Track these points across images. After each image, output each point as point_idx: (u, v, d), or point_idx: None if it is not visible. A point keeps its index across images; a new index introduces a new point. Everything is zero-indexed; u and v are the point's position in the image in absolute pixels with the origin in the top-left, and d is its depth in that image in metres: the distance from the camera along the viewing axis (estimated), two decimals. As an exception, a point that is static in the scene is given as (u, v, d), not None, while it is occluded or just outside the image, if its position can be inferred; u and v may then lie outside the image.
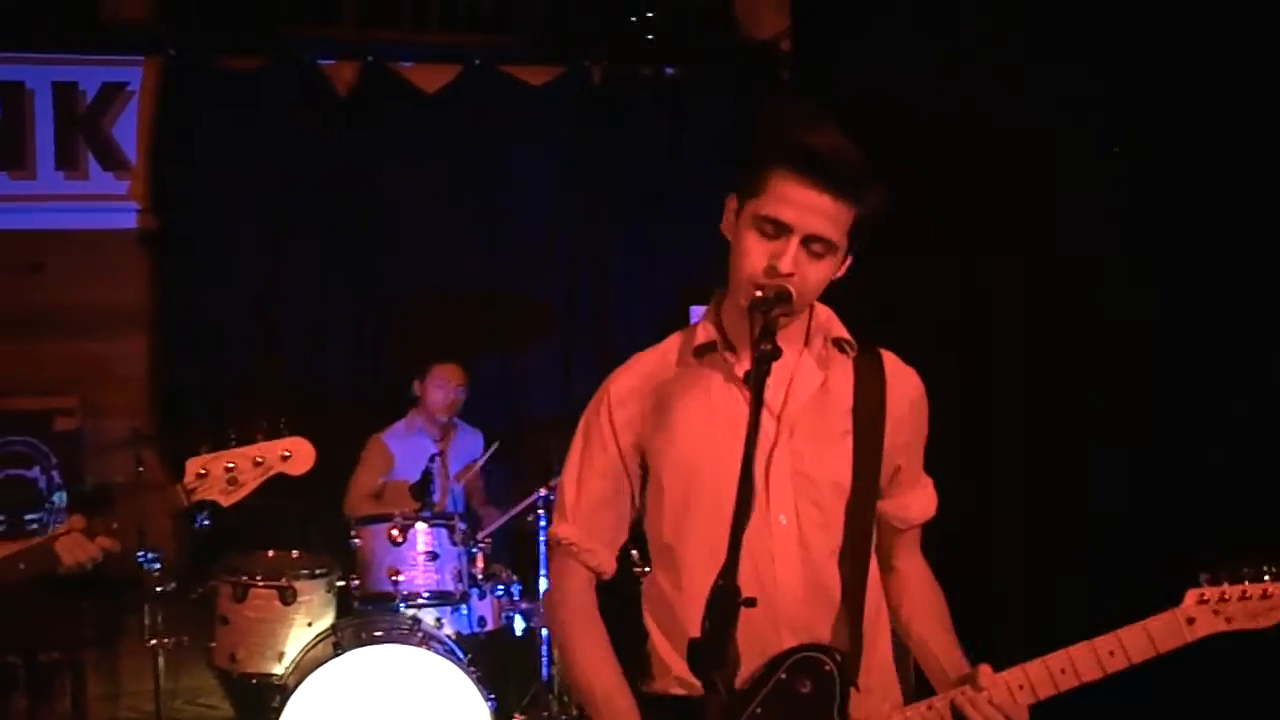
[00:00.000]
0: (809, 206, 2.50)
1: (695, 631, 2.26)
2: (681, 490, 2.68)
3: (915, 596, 2.90)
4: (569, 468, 2.80)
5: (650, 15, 7.64)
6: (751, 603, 2.22)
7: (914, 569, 2.91)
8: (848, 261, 2.62)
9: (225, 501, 3.38)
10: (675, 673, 2.68)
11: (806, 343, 2.71)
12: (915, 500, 2.87)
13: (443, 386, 6.56)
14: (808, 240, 2.50)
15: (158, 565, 5.71)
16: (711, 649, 2.17)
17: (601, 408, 2.75)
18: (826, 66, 6.97)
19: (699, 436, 2.66)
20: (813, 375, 2.69)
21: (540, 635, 6.01)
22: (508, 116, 7.38)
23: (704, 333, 2.71)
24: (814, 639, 2.63)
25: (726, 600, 2.18)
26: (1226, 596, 2.65)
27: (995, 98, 5.45)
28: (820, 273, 2.55)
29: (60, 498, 5.50)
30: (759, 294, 2.46)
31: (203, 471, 3.35)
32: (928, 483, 2.91)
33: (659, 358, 2.78)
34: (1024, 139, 5.28)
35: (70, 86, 6.86)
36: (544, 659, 6.05)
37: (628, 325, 7.37)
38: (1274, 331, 4.32)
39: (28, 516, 6.33)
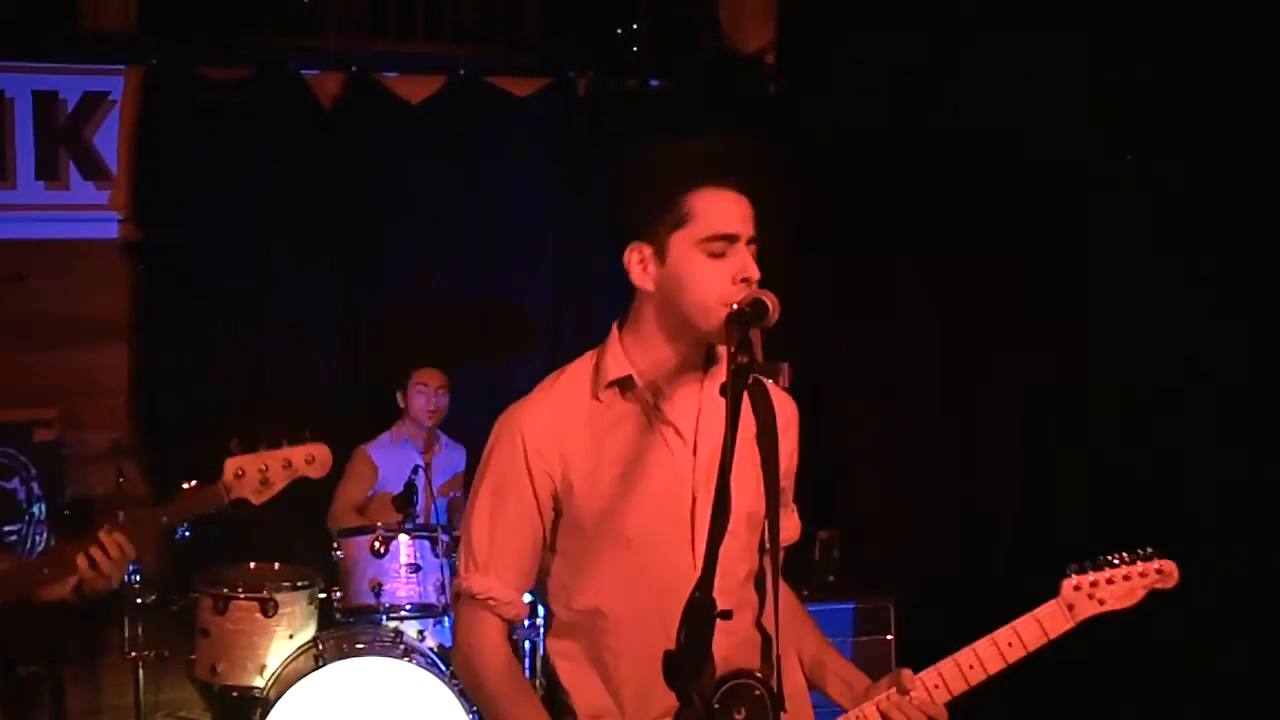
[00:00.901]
0: (741, 211, 2.55)
1: (633, 671, 2.26)
2: (607, 538, 2.62)
3: (800, 620, 2.94)
4: (478, 514, 2.70)
5: (635, 27, 7.64)
6: (728, 615, 2.23)
7: (787, 593, 2.90)
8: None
9: (256, 500, 3.61)
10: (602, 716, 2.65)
11: (706, 367, 2.69)
12: (789, 523, 2.86)
13: (423, 392, 6.53)
14: (749, 242, 2.54)
15: (138, 577, 5.69)
16: (687, 661, 2.16)
17: (516, 453, 2.65)
18: (813, 79, 6.98)
19: (623, 482, 2.60)
20: (719, 406, 2.59)
21: (523, 647, 5.98)
22: (493, 128, 7.35)
23: (616, 367, 2.65)
24: (732, 668, 2.60)
25: (703, 613, 2.18)
26: (1095, 581, 2.95)
27: (982, 109, 5.46)
28: (757, 268, 2.56)
29: (40, 509, 5.46)
30: (735, 307, 2.44)
31: (240, 472, 3.57)
32: (794, 507, 2.93)
33: (568, 392, 2.69)
34: (1010, 150, 5.30)
35: (51, 96, 6.81)
36: (526, 671, 6.02)
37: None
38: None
39: (7, 528, 6.28)
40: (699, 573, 2.44)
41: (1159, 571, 2.99)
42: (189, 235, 6.93)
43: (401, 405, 6.59)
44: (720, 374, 2.65)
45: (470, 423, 7.00)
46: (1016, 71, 5.28)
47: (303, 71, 7.09)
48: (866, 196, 6.14)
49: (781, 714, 2.63)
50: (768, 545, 2.72)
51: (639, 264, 2.60)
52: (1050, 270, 5.17)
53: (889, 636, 5.85)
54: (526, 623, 5.90)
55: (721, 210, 2.52)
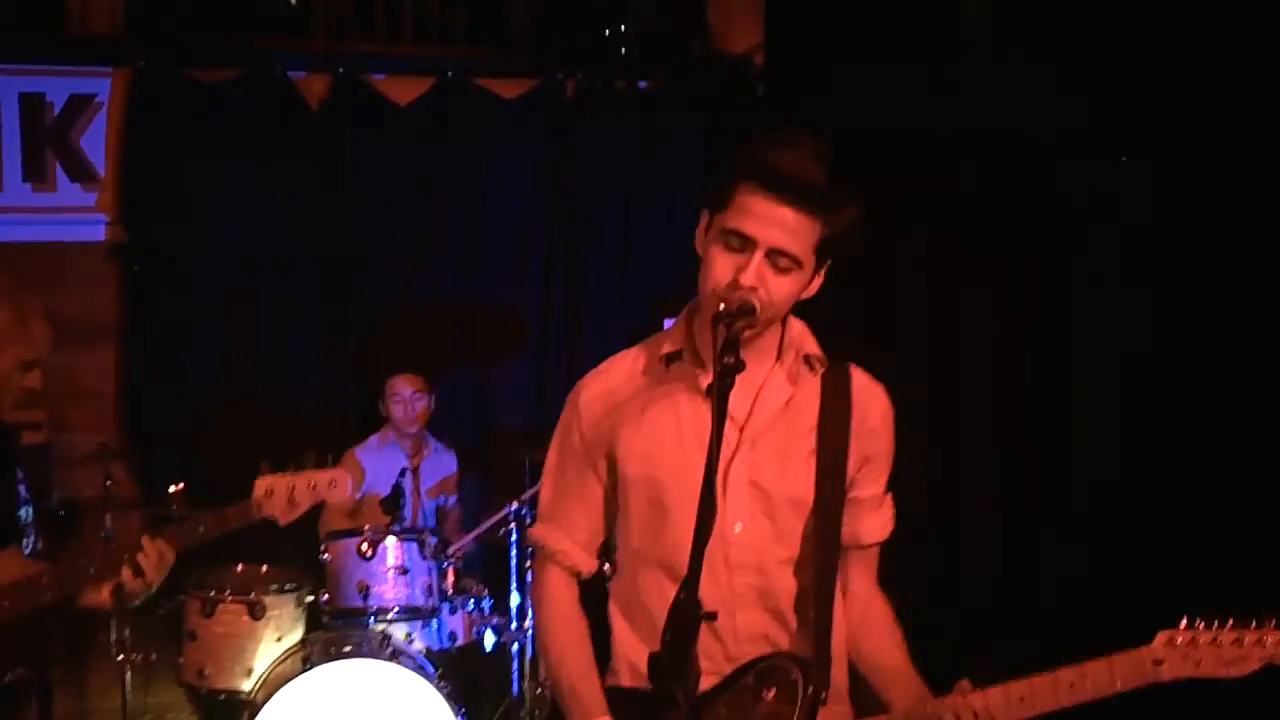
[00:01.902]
0: (772, 220, 2.52)
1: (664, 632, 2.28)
2: (646, 500, 2.74)
3: (873, 621, 2.91)
4: (546, 471, 2.91)
5: (624, 28, 7.64)
6: (712, 617, 2.28)
7: (870, 593, 2.92)
8: (818, 279, 2.65)
9: (283, 520, 3.80)
10: (637, 666, 2.72)
11: (779, 357, 2.74)
12: (868, 520, 2.86)
13: (400, 401, 6.54)
14: (772, 254, 2.53)
15: (140, 598, 5.67)
16: (672, 662, 2.17)
17: (573, 416, 2.84)
18: (800, 81, 6.97)
19: (663, 447, 2.71)
20: (780, 390, 2.72)
21: (511, 650, 5.99)
22: (481, 129, 7.35)
23: (671, 342, 2.76)
24: (774, 647, 2.66)
25: (687, 614, 2.20)
26: (1198, 641, 2.58)
27: (973, 111, 5.46)
28: (786, 288, 2.57)
29: (27, 513, 5.44)
30: (722, 307, 2.48)
31: (270, 491, 3.76)
32: (888, 504, 2.91)
33: (628, 365, 2.84)
34: (1004, 152, 5.29)
35: (38, 98, 6.81)
36: (514, 674, 6.03)
37: (601, 339, 7.33)
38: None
39: (-6, 531, 6.25)
40: (733, 548, 2.64)
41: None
42: (176, 238, 6.93)
43: (383, 414, 6.61)
44: (788, 360, 2.74)
45: (458, 425, 7.02)
46: (1009, 74, 5.28)
47: (290, 73, 7.09)
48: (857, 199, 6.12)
49: (819, 707, 2.61)
50: (820, 534, 2.72)
51: (700, 227, 2.67)
52: (1046, 278, 5.17)
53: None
54: (515, 625, 5.92)
55: (752, 211, 2.53)
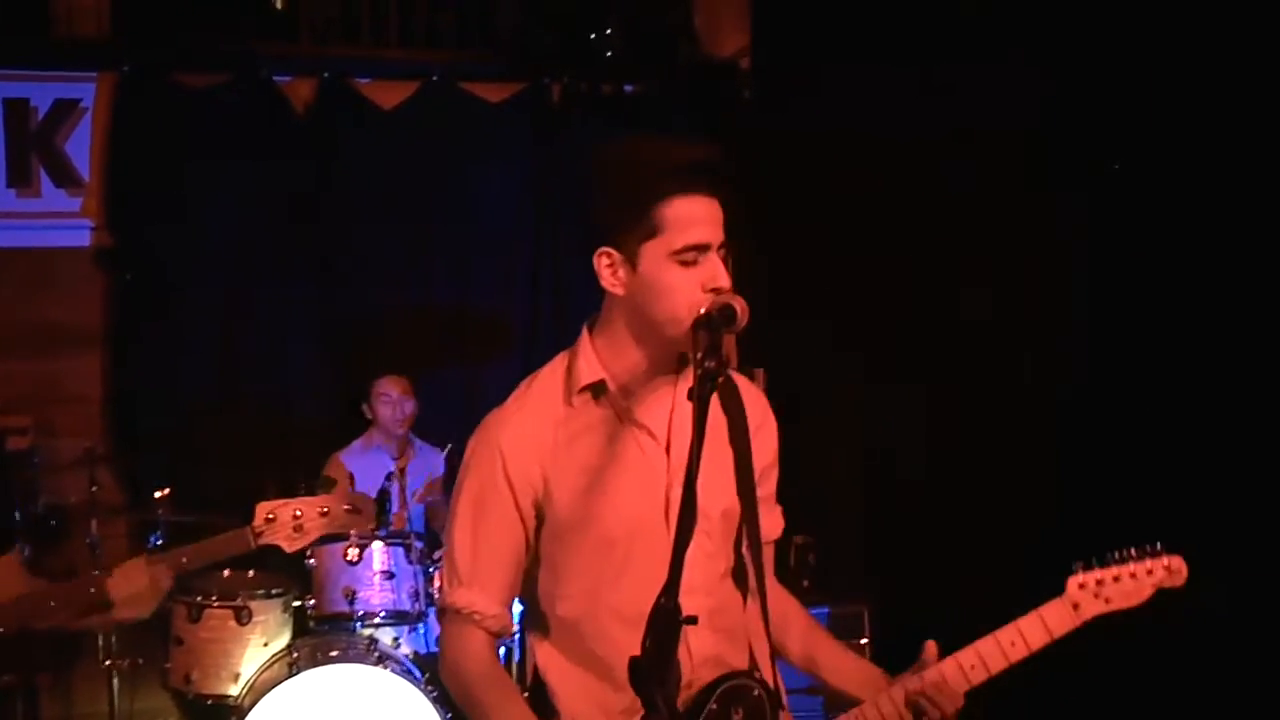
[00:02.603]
0: (711, 217, 2.52)
1: (621, 693, 2.26)
2: (587, 543, 2.62)
3: (797, 619, 2.93)
4: (459, 529, 2.68)
5: (610, 32, 7.63)
6: (693, 620, 2.23)
7: (778, 590, 2.91)
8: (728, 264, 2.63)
9: (289, 548, 3.53)
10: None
11: (678, 369, 2.68)
12: (770, 518, 2.85)
13: (388, 401, 6.51)
14: (719, 247, 2.53)
15: (132, 620, 5.66)
16: (653, 668, 2.16)
17: (495, 465, 2.64)
18: (787, 84, 6.98)
19: (599, 486, 2.60)
20: (689, 405, 2.64)
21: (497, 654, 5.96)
22: (467, 133, 7.35)
23: (588, 372, 2.65)
24: (726, 666, 2.64)
25: (668, 619, 2.18)
26: (1102, 580, 2.90)
27: (960, 115, 5.47)
28: (729, 273, 2.55)
29: (15, 518, 5.44)
30: (704, 312, 2.45)
31: (271, 516, 3.49)
32: (777, 504, 2.92)
33: (544, 399, 2.69)
34: (986, 156, 5.31)
35: (22, 103, 6.80)
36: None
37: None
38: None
39: (-20, 537, 6.24)
40: (678, 573, 2.51)
41: (1167, 569, 2.92)
42: (162, 242, 6.91)
43: (369, 416, 6.57)
44: (689, 375, 2.62)
45: (445, 427, 6.98)
46: (996, 78, 5.29)
47: (276, 77, 7.09)
48: (841, 202, 6.15)
49: (781, 713, 2.64)
50: (747, 543, 2.71)
51: (609, 269, 2.58)
52: (1029, 275, 5.18)
53: (864, 641, 5.84)
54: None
55: (693, 220, 2.50)
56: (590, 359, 2.66)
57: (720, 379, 2.37)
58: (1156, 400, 4.62)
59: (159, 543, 5.83)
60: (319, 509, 3.52)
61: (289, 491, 3.57)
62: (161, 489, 5.89)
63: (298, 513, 3.49)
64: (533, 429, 2.64)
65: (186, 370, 6.95)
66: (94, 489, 5.95)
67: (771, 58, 7.32)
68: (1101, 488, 4.80)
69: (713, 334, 2.42)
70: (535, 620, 2.74)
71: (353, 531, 5.66)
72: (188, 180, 6.90)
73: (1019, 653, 2.85)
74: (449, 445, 6.48)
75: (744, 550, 2.72)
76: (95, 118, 6.90)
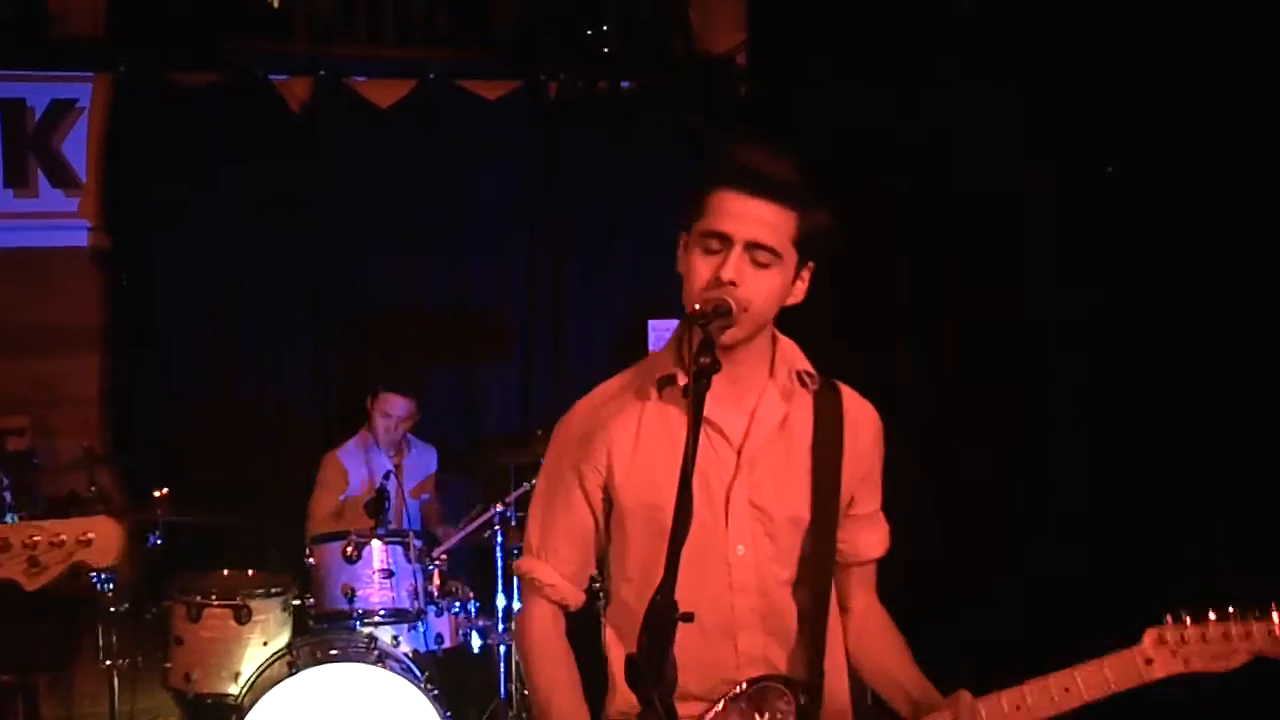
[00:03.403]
0: (746, 215, 2.54)
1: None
2: (647, 531, 2.69)
3: (874, 633, 2.92)
4: (535, 504, 2.85)
5: (606, 29, 7.62)
6: (689, 617, 2.23)
7: (870, 607, 2.94)
8: (801, 283, 2.66)
9: (29, 585, 2.86)
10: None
11: (771, 374, 2.73)
12: (866, 536, 2.89)
13: (386, 418, 6.46)
14: (750, 248, 2.54)
15: (111, 585, 5.68)
16: (648, 665, 2.17)
17: (567, 447, 2.79)
18: (783, 80, 6.98)
19: (662, 474, 2.64)
20: (776, 408, 2.71)
21: (498, 652, 5.98)
22: (463, 131, 7.34)
23: (664, 365, 2.73)
24: (772, 669, 2.66)
25: (664, 616, 2.19)
26: (1186, 638, 2.59)
27: (956, 112, 5.47)
28: (766, 284, 2.57)
29: (13, 519, 5.45)
30: (696, 307, 2.48)
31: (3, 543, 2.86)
32: (882, 520, 2.93)
33: (620, 391, 2.79)
34: (986, 153, 5.31)
35: (18, 104, 6.79)
36: (502, 676, 6.03)
37: (585, 340, 7.35)
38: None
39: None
40: (736, 571, 2.63)
41: (1271, 634, 2.55)
42: (159, 242, 6.91)
43: (369, 408, 6.55)
44: (781, 377, 2.73)
45: (441, 425, 7.01)
46: (992, 75, 5.29)
47: (272, 76, 7.08)
48: (837, 199, 6.14)
49: None
50: (818, 555, 2.74)
51: (681, 249, 2.67)
52: (1030, 273, 5.18)
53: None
54: (501, 627, 5.92)
55: (724, 210, 2.56)
56: (670, 353, 2.74)
57: (714, 374, 2.38)
58: (1159, 403, 4.59)
59: (158, 542, 5.86)
60: (50, 538, 2.82)
61: (32, 516, 3.11)
62: (159, 489, 5.90)
63: (31, 539, 2.83)
64: (606, 416, 2.76)
65: (183, 370, 6.95)
66: (92, 489, 5.96)
67: (767, 54, 7.32)
68: (1117, 485, 4.79)
69: (705, 329, 2.43)
70: (606, 599, 2.87)
71: (352, 530, 5.69)
72: (184, 180, 6.88)
73: (1070, 702, 2.61)
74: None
75: (813, 560, 2.74)
76: (92, 118, 6.89)
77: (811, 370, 2.78)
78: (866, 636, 2.90)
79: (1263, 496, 4.21)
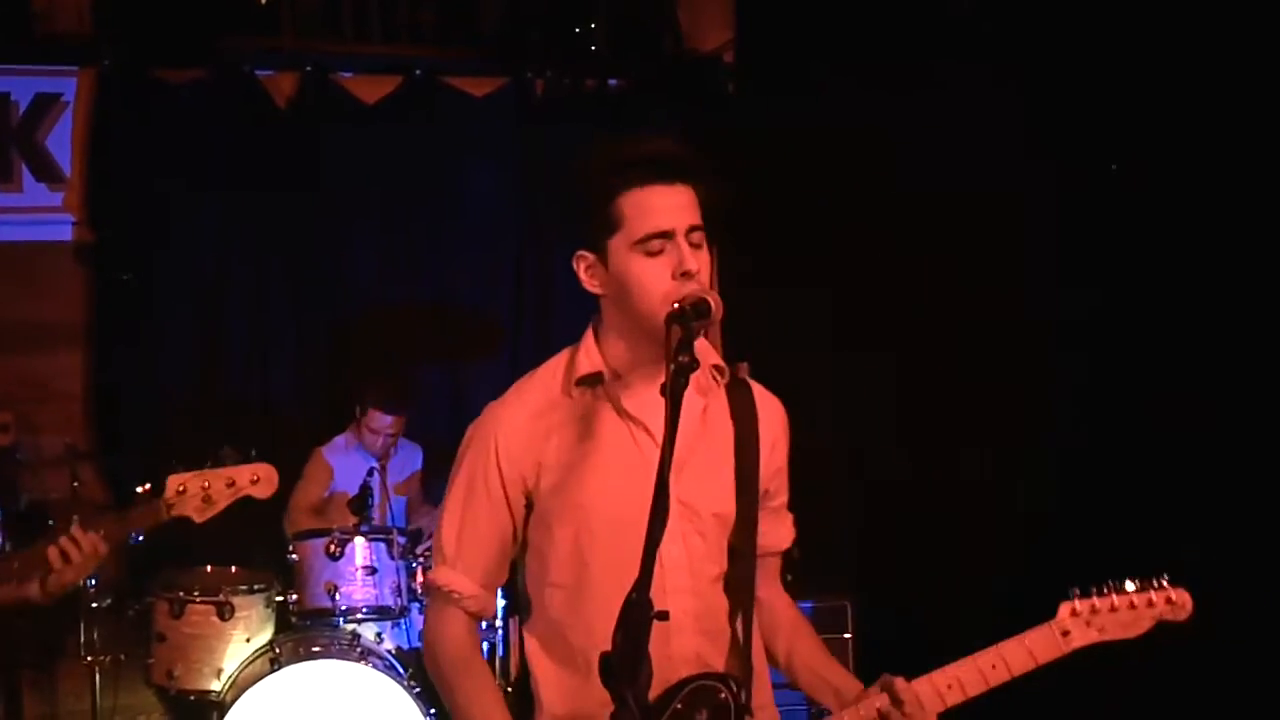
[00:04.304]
0: (670, 204, 2.54)
1: (598, 687, 2.26)
2: (574, 533, 2.65)
3: (786, 625, 2.92)
4: (450, 511, 2.75)
5: (594, 27, 7.62)
6: (664, 616, 2.24)
7: (778, 598, 2.94)
8: (713, 253, 2.66)
9: (199, 519, 3.61)
10: (565, 710, 2.68)
11: None
12: (777, 529, 2.88)
13: (373, 431, 6.34)
14: (689, 233, 2.54)
15: (94, 582, 5.67)
16: (623, 663, 2.16)
17: (488, 451, 2.70)
18: (771, 78, 6.99)
19: (591, 477, 2.64)
20: (695, 403, 2.67)
21: (482, 649, 5.96)
22: (450, 128, 7.33)
23: (587, 362, 2.70)
24: (705, 667, 2.64)
25: (639, 614, 2.18)
26: (1097, 609, 2.78)
27: (945, 110, 5.48)
28: (706, 265, 2.57)
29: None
30: (676, 305, 2.45)
31: (181, 489, 3.58)
32: (789, 513, 2.93)
33: (542, 391, 2.73)
34: (976, 154, 5.31)
35: (3, 98, 6.79)
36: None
37: (573, 338, 7.31)
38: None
39: (-39, 534, 6.23)
40: (670, 574, 2.57)
41: (1170, 602, 2.81)
42: (143, 238, 6.89)
43: (357, 417, 6.45)
44: (698, 375, 2.66)
45: (429, 425, 6.98)
46: (983, 74, 5.30)
47: (258, 72, 7.08)
48: (825, 196, 6.15)
49: (747, 717, 2.63)
50: (742, 549, 2.73)
51: (586, 271, 2.64)
52: (1016, 277, 5.19)
53: (847, 635, 5.84)
54: (484, 624, 5.90)
55: (650, 208, 2.53)
56: (591, 352, 2.70)
57: (693, 372, 2.38)
58: (1156, 404, 4.60)
59: (139, 539, 5.81)
60: (225, 480, 3.64)
61: (198, 464, 3.66)
62: (143, 486, 5.87)
63: (206, 484, 3.60)
64: (528, 418, 2.69)
65: (168, 366, 6.94)
66: (75, 485, 5.97)
67: (755, 52, 7.32)
68: (1092, 485, 4.81)
69: (685, 328, 2.42)
70: (523, 609, 2.78)
71: (335, 527, 5.68)
72: (169, 175, 6.87)
73: (999, 677, 2.74)
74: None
75: (742, 556, 2.73)
76: (76, 113, 6.88)
77: (723, 364, 2.77)
78: (779, 627, 2.90)
79: (1261, 494, 4.23)
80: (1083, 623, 2.77)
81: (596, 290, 2.64)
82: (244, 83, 7.04)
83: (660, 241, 2.52)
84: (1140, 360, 4.66)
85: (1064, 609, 2.78)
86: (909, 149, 5.65)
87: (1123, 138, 4.76)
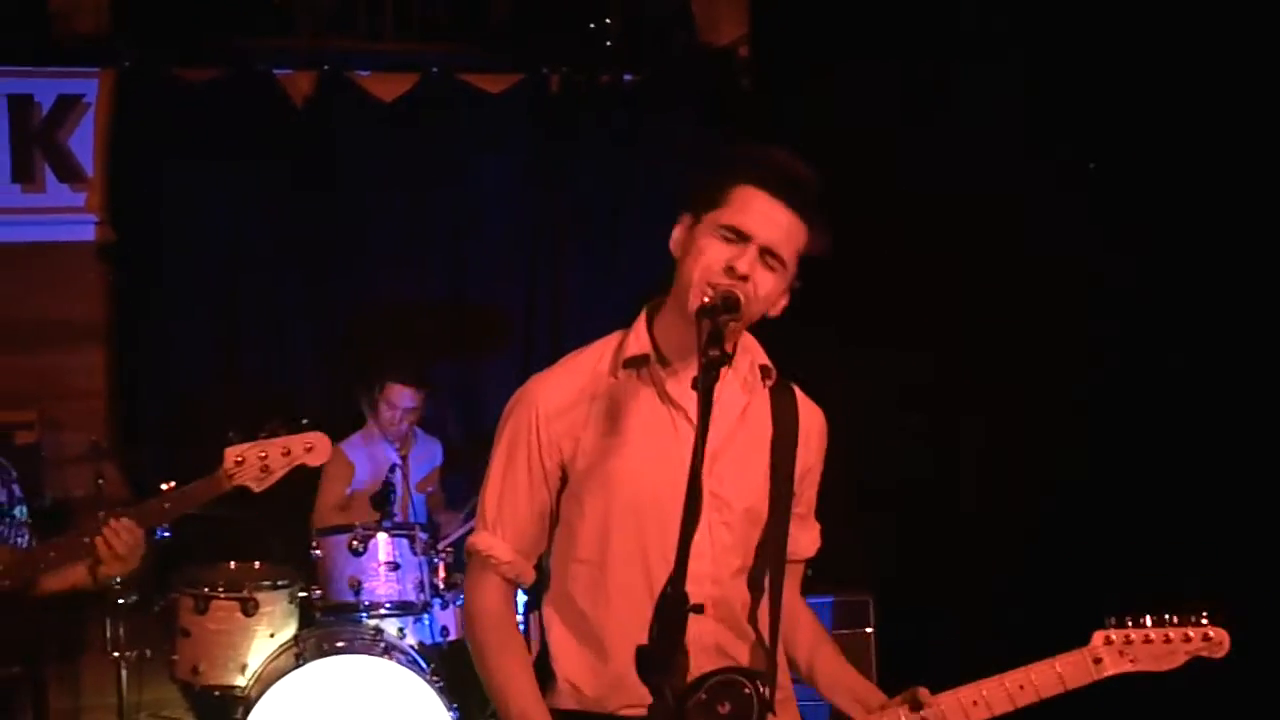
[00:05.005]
0: (770, 219, 2.58)
1: (618, 646, 2.28)
2: (603, 510, 2.70)
3: (808, 631, 2.97)
4: (491, 478, 2.80)
5: (608, 21, 7.62)
6: (699, 609, 2.28)
7: (800, 606, 2.97)
8: (786, 296, 2.70)
9: (257, 488, 3.75)
10: (580, 687, 2.72)
11: (731, 364, 2.73)
12: (803, 535, 2.92)
13: (395, 409, 6.36)
14: (764, 252, 2.57)
15: (119, 578, 5.70)
16: (659, 656, 2.19)
17: (530, 421, 2.75)
18: (786, 73, 6.99)
19: (626, 456, 2.67)
20: (737, 399, 2.74)
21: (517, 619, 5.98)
22: (466, 125, 7.34)
23: (636, 344, 2.75)
24: (727, 659, 2.68)
25: (675, 607, 2.21)
26: (1131, 639, 2.81)
27: (959, 107, 5.48)
28: (770, 286, 2.61)
29: (21, 511, 5.48)
30: (706, 300, 2.50)
31: (240, 459, 3.72)
32: (815, 523, 2.97)
33: (589, 368, 2.78)
34: (986, 151, 5.32)
35: (25, 99, 6.82)
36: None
37: (587, 334, 7.29)
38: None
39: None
40: (692, 559, 2.49)
41: (1207, 639, 2.83)
42: (164, 237, 6.93)
43: (367, 410, 6.49)
44: (743, 368, 2.76)
45: (442, 419, 7.02)
46: (995, 73, 5.30)
47: (275, 71, 7.10)
48: (841, 193, 6.14)
49: (769, 716, 2.66)
50: (771, 548, 2.76)
51: (679, 229, 2.69)
52: (1035, 275, 5.19)
53: (869, 630, 5.85)
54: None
55: (752, 208, 2.59)
56: (640, 335, 2.76)
57: (724, 366, 2.44)
58: (1159, 403, 4.60)
59: (165, 535, 5.87)
60: (281, 449, 3.73)
61: (252, 436, 3.76)
62: (166, 482, 5.91)
63: (263, 454, 3.71)
64: (570, 393, 2.74)
65: (189, 364, 6.98)
66: (99, 483, 5.97)
67: (770, 46, 7.32)
68: (1112, 483, 4.81)
69: (714, 321, 2.46)
70: (548, 581, 2.82)
71: (358, 523, 5.71)
72: (189, 174, 6.91)
73: (1026, 699, 2.77)
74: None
75: (768, 552, 2.76)
76: (98, 113, 6.91)
77: (770, 364, 2.81)
78: (800, 634, 2.94)
79: (1263, 497, 4.24)
80: (1116, 651, 2.81)
81: (674, 250, 2.69)
82: (262, 81, 7.06)
83: (736, 236, 2.57)
84: (1145, 360, 4.67)
85: (1098, 636, 2.82)
86: (914, 147, 5.66)
87: (1125, 136, 4.76)
